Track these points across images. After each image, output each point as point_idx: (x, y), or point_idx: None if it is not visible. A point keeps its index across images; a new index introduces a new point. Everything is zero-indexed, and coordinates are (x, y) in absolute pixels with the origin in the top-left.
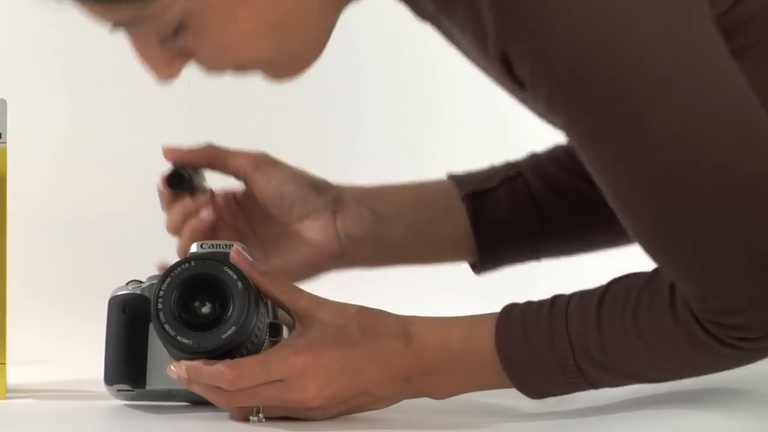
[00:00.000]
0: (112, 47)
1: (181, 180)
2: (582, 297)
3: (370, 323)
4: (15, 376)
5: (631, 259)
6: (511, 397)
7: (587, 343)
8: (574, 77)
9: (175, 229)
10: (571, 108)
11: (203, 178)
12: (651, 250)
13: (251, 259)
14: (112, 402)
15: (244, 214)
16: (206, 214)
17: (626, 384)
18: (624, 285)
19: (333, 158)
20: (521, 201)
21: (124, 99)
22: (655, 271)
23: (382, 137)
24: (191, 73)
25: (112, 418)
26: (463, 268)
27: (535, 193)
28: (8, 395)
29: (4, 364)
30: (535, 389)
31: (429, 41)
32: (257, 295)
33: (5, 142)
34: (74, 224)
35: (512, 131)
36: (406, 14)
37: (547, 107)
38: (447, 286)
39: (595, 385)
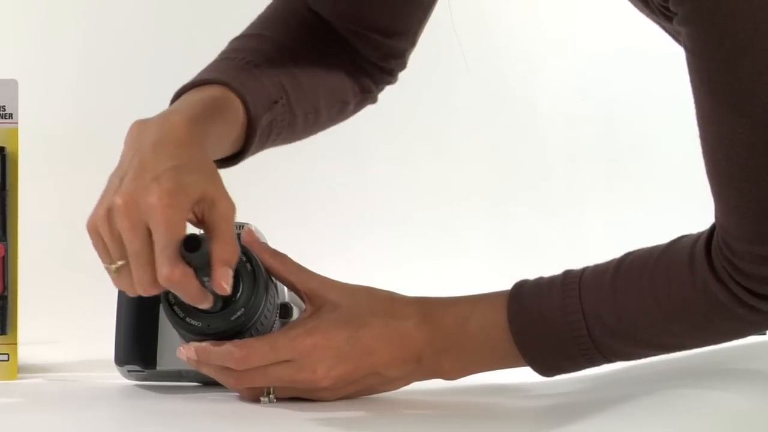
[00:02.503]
0: (124, 27)
1: (197, 245)
2: (596, 268)
3: (380, 304)
4: (26, 356)
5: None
6: (523, 378)
7: (601, 312)
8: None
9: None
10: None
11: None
12: (726, 178)
13: (262, 241)
14: (122, 382)
15: None
16: None
17: (640, 354)
18: (640, 255)
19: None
20: None
21: (136, 80)
22: (672, 241)
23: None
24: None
25: (123, 398)
26: (471, 252)
27: None
28: (19, 375)
29: (16, 344)
30: (547, 365)
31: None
32: (267, 277)
33: (16, 122)
34: (86, 204)
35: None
36: None
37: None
38: (457, 266)
39: (608, 357)
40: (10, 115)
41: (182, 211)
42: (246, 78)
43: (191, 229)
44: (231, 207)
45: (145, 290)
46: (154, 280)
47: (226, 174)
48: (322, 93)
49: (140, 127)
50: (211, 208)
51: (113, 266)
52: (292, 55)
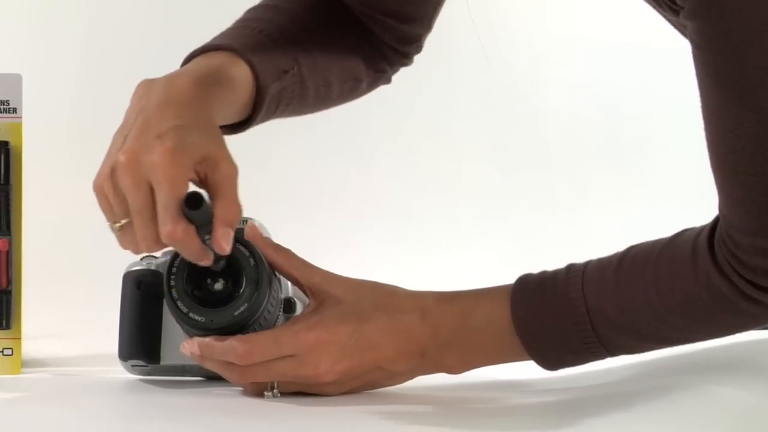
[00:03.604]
0: (128, 22)
1: (199, 203)
2: (599, 262)
3: (383, 299)
4: (30, 350)
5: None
6: (526, 372)
7: (604, 305)
8: None
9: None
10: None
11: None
12: (731, 171)
13: (265, 235)
14: (126, 377)
15: None
16: None
17: (643, 348)
18: (643, 248)
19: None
20: None
21: (140, 74)
22: (675, 234)
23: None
24: None
25: (127, 392)
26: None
27: None
28: (23, 370)
29: (19, 338)
30: (551, 359)
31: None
32: (270, 272)
33: (20, 117)
34: (89, 199)
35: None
36: None
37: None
38: (460, 260)
39: (611, 351)
40: (14, 110)
41: (184, 169)
42: (257, 46)
43: (193, 189)
44: (234, 168)
45: (148, 247)
46: (157, 237)
47: (231, 135)
48: (336, 68)
49: (146, 86)
50: (214, 168)
51: (117, 225)
52: (306, 28)
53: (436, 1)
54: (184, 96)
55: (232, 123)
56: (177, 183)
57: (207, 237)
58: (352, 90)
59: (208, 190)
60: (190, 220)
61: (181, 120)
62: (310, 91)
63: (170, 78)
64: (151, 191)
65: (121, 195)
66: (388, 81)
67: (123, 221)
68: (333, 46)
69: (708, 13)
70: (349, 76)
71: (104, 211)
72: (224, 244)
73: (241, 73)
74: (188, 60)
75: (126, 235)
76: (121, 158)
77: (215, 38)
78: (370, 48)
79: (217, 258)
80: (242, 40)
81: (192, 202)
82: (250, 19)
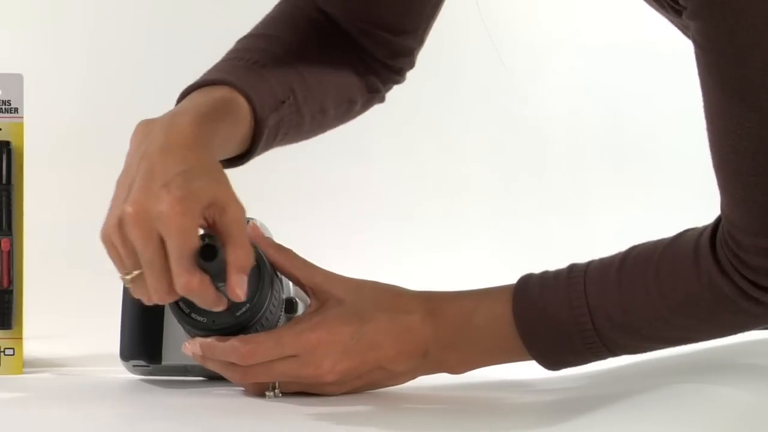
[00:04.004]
0: (130, 22)
1: (214, 254)
2: (601, 262)
3: (385, 299)
4: (31, 350)
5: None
6: (528, 372)
7: (606, 305)
8: None
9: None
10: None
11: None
12: (734, 171)
13: (267, 236)
14: (128, 377)
15: None
16: None
17: (645, 348)
18: (645, 248)
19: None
20: None
21: (141, 75)
22: (677, 234)
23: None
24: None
25: (128, 392)
26: (478, 242)
27: None
28: (25, 370)
29: (21, 338)
30: (552, 359)
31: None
32: (272, 272)
33: (22, 117)
34: (91, 198)
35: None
36: None
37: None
38: (462, 260)
39: (613, 350)
40: (16, 110)
41: (194, 218)
42: (253, 78)
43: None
44: (241, 210)
45: (161, 298)
46: (170, 288)
47: (231, 169)
48: (330, 93)
49: (146, 128)
50: (222, 213)
51: (128, 276)
52: (299, 54)
53: (429, 14)
54: (185, 138)
55: (231, 157)
56: (188, 233)
57: (221, 285)
58: (347, 112)
59: (216, 234)
60: (204, 270)
61: (185, 164)
62: (306, 118)
63: (170, 119)
64: (162, 242)
65: (130, 246)
66: (382, 100)
67: (135, 273)
68: (326, 71)
69: (710, 13)
70: (344, 100)
71: (114, 261)
72: (240, 291)
73: (239, 108)
74: (184, 95)
75: (138, 286)
76: (129, 210)
77: (210, 72)
78: (363, 67)
79: (230, 302)
80: (237, 74)
81: (207, 253)
82: (242, 50)
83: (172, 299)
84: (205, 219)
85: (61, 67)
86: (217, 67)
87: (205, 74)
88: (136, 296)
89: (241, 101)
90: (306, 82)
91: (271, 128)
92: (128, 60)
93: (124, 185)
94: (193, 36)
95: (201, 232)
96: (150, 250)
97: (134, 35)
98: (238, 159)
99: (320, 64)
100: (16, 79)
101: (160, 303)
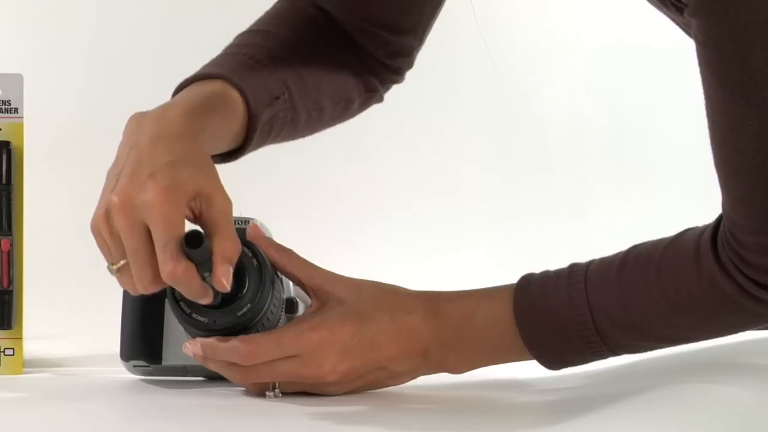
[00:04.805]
0: (130, 22)
1: (199, 242)
2: (602, 261)
3: (385, 299)
4: (31, 350)
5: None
6: (528, 372)
7: (607, 304)
8: None
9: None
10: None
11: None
12: (735, 169)
13: (267, 236)
14: (128, 377)
15: None
16: None
17: (646, 347)
18: (646, 248)
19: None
20: None
21: (141, 75)
22: (678, 233)
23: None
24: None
25: (128, 393)
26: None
27: None
28: (25, 370)
29: (21, 338)
30: (553, 358)
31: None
32: (273, 272)
33: (22, 117)
34: (91, 199)
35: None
36: None
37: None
38: (462, 260)
39: (613, 350)
40: (16, 110)
41: (179, 207)
42: (247, 73)
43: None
44: (228, 202)
45: (145, 288)
46: (155, 277)
47: (231, 169)
48: (327, 91)
49: (138, 120)
50: (209, 204)
51: (115, 266)
52: (296, 52)
53: (430, 12)
54: (175, 129)
55: (224, 152)
56: (174, 222)
57: (206, 274)
58: (344, 111)
59: (202, 227)
60: (190, 259)
61: (173, 155)
62: (301, 115)
63: (161, 111)
64: (147, 231)
65: (116, 236)
66: (380, 100)
67: (121, 262)
68: (324, 69)
69: (711, 10)
70: (341, 98)
71: (102, 252)
72: (225, 281)
73: (232, 102)
74: (179, 89)
75: (124, 276)
76: (115, 199)
77: (206, 66)
78: (361, 67)
79: (215, 294)
80: (232, 68)
81: (192, 240)
82: (239, 45)
83: (157, 288)
84: (192, 210)
85: (61, 67)
86: (213, 62)
87: (201, 68)
88: (123, 287)
89: (235, 95)
90: (302, 79)
91: (265, 124)
92: (128, 60)
93: (113, 176)
94: (193, 36)
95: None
96: (135, 239)
97: (134, 35)
98: (232, 154)
99: (317, 61)
100: (16, 79)
101: (145, 293)
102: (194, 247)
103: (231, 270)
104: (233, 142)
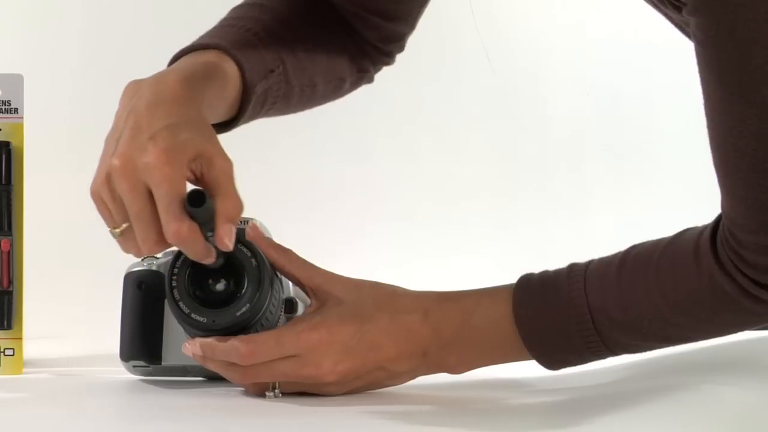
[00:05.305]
0: (129, 22)
1: (202, 200)
2: (601, 261)
3: (385, 299)
4: (31, 351)
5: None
6: (528, 372)
7: (606, 304)
8: None
9: None
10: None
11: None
12: (734, 168)
13: (267, 236)
14: (128, 377)
15: None
16: None
17: (646, 347)
18: (645, 247)
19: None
20: None
21: (141, 75)
22: (677, 233)
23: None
24: None
25: (128, 393)
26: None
27: None
28: (25, 370)
29: (21, 339)
30: (553, 358)
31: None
32: (272, 272)
33: (22, 117)
34: (90, 199)
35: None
36: None
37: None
38: (462, 260)
39: (613, 350)
40: (16, 110)
41: (180, 168)
42: (243, 45)
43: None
44: (229, 163)
45: (150, 249)
46: (159, 238)
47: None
48: (320, 68)
49: (134, 87)
50: (209, 165)
51: (117, 230)
52: (291, 27)
53: (422, 1)
54: (173, 94)
55: (218, 122)
56: (175, 182)
57: (209, 234)
58: (335, 89)
59: (204, 187)
60: (193, 219)
61: (171, 119)
62: (295, 90)
63: (158, 77)
64: (149, 193)
65: (118, 200)
66: (370, 80)
67: (123, 226)
68: (318, 46)
69: (710, 8)
70: (334, 76)
71: (103, 217)
72: (227, 240)
73: (228, 72)
74: (175, 59)
75: (127, 240)
76: (116, 163)
77: (202, 37)
78: (354, 47)
79: (218, 255)
80: (229, 39)
81: (195, 199)
82: (235, 17)
83: (160, 249)
84: (193, 172)
85: (61, 67)
86: (209, 33)
87: (197, 39)
88: (125, 251)
89: (231, 66)
90: (296, 54)
91: (259, 95)
92: (128, 60)
93: (112, 141)
94: (193, 37)
95: (189, 187)
96: (138, 202)
97: (134, 35)
98: (224, 125)
99: (312, 38)
100: (16, 79)
101: (149, 254)
102: (197, 205)
103: (234, 229)
104: (227, 113)
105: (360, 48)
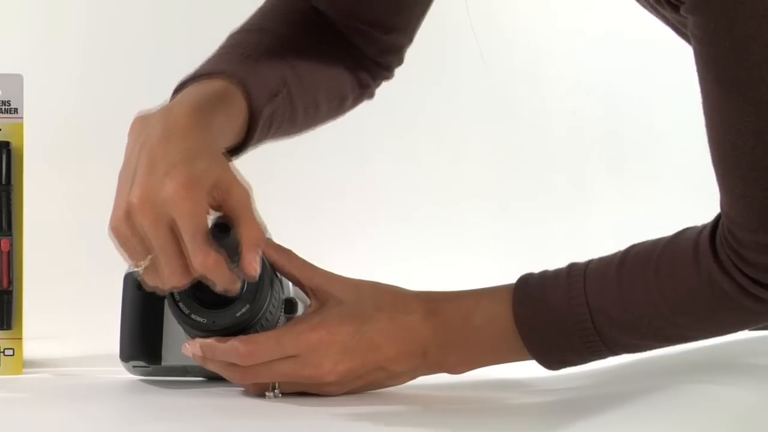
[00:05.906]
0: (129, 22)
1: (227, 231)
2: (601, 261)
3: (384, 299)
4: (31, 351)
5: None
6: (528, 372)
7: (606, 304)
8: None
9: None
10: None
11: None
12: (732, 167)
13: (267, 236)
14: (127, 377)
15: None
16: None
17: (645, 346)
18: (644, 247)
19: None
20: None
21: (140, 74)
22: (676, 232)
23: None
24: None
25: (128, 393)
26: (477, 242)
27: None
28: (25, 370)
29: (21, 339)
30: (552, 358)
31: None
32: (271, 273)
33: (22, 117)
34: (91, 198)
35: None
36: None
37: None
38: (462, 261)
39: (613, 349)
40: (16, 110)
41: (200, 200)
42: (247, 70)
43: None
44: (246, 190)
45: (178, 281)
46: (185, 270)
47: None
48: (322, 87)
49: (143, 121)
50: (227, 194)
51: (142, 265)
52: (292, 48)
53: (420, 11)
54: (183, 126)
55: (226, 149)
56: (198, 214)
57: (234, 265)
58: (338, 107)
59: (224, 214)
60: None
61: (185, 151)
62: (299, 111)
63: (167, 110)
64: (171, 226)
65: (139, 235)
66: (371, 96)
67: (147, 260)
68: (319, 66)
69: (709, 6)
70: (336, 95)
71: (126, 252)
72: (254, 269)
73: (234, 98)
74: (180, 88)
75: (151, 274)
76: (134, 200)
77: (204, 65)
78: (353, 64)
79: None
80: (233, 65)
81: (219, 231)
82: (234, 45)
83: (187, 282)
84: (211, 201)
85: (60, 67)
86: (211, 60)
87: (199, 67)
88: (150, 284)
89: (237, 92)
90: (299, 76)
91: (266, 120)
92: (128, 60)
93: (127, 178)
94: (194, 37)
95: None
96: (162, 236)
97: (134, 35)
98: (233, 151)
99: (313, 58)
100: (16, 79)
101: (175, 288)
102: (223, 237)
103: (258, 257)
104: (234, 139)
105: (359, 63)
